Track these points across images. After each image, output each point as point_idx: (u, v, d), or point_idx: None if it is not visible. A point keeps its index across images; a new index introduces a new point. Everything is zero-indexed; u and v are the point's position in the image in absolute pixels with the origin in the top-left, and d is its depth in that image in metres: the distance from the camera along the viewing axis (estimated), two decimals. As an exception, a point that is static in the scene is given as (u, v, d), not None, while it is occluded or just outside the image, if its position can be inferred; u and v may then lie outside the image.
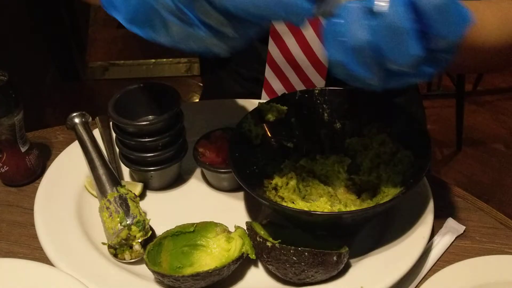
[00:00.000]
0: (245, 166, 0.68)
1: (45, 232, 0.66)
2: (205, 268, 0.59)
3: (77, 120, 0.76)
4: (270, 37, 0.83)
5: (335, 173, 0.71)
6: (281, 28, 0.81)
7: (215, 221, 0.65)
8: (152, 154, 0.70)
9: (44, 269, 0.61)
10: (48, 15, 2.18)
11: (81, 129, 0.75)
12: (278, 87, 0.87)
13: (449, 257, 0.66)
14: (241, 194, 0.72)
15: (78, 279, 0.60)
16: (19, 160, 0.75)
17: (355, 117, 0.71)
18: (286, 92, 0.73)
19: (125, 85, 0.72)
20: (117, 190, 0.67)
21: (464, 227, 0.69)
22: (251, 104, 0.80)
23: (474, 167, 1.99)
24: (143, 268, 0.62)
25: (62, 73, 2.34)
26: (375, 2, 0.45)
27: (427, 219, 0.65)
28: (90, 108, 0.81)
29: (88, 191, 0.73)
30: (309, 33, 0.80)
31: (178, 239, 0.64)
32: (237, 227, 0.64)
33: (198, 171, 0.77)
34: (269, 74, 0.87)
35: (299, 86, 0.86)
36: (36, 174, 0.78)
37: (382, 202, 0.62)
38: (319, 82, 0.85)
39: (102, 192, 0.67)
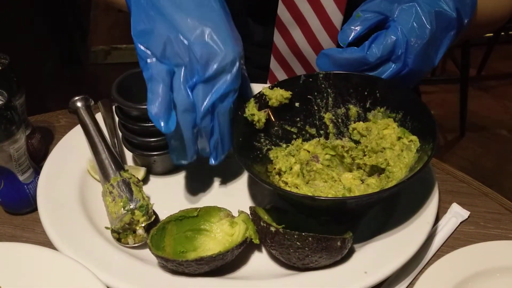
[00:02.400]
0: (248, 150, 0.67)
1: (48, 217, 0.66)
2: (209, 253, 0.59)
3: (79, 104, 0.75)
4: (275, 28, 0.82)
5: (339, 158, 0.71)
6: (287, 19, 0.80)
7: (219, 205, 0.65)
8: (155, 139, 0.69)
9: (47, 253, 0.61)
10: (50, 0, 2.16)
11: (83, 113, 0.74)
12: (283, 78, 0.87)
13: (453, 243, 0.66)
14: (244, 178, 0.72)
15: (82, 263, 0.60)
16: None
17: (360, 102, 0.71)
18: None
19: (128, 69, 0.72)
20: (120, 175, 0.66)
21: (469, 213, 0.69)
22: (255, 88, 0.79)
23: (477, 152, 1.99)
24: (146, 253, 0.62)
25: (64, 58, 2.33)
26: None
27: (432, 205, 0.64)
28: (92, 93, 0.81)
29: (91, 175, 0.72)
30: (314, 23, 0.79)
31: (182, 224, 0.64)
32: (240, 212, 0.64)
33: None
34: (274, 65, 0.86)
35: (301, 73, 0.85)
36: (38, 158, 0.77)
37: (386, 187, 0.62)
38: None
39: (105, 177, 0.67)
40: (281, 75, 0.87)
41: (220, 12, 0.61)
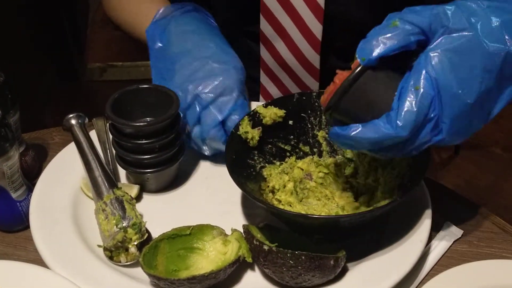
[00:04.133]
0: (242, 168, 0.67)
1: (40, 234, 0.65)
2: (201, 272, 0.59)
3: (73, 122, 0.75)
4: (260, 43, 0.83)
5: (333, 176, 0.71)
6: (269, 32, 0.81)
7: (212, 224, 0.65)
8: (148, 156, 0.70)
9: (39, 271, 0.61)
10: (47, 16, 2.18)
11: (77, 131, 0.74)
12: (274, 91, 0.87)
13: (446, 261, 0.66)
14: (238, 196, 0.72)
15: (73, 282, 0.59)
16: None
17: (353, 120, 0.71)
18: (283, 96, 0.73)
19: (123, 86, 0.72)
20: (113, 192, 0.66)
21: (462, 231, 0.69)
22: (249, 106, 0.80)
23: (472, 170, 1.99)
24: (138, 271, 0.62)
25: (61, 74, 2.33)
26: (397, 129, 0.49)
27: (425, 223, 0.64)
28: (87, 110, 0.81)
29: (84, 193, 0.72)
30: (296, 35, 0.80)
31: (174, 242, 0.63)
32: (233, 230, 0.64)
33: (195, 174, 0.77)
34: (264, 78, 0.87)
35: (294, 89, 0.86)
36: (31, 175, 0.77)
37: (379, 205, 0.62)
38: (312, 84, 0.85)
39: (98, 194, 0.67)
40: (271, 88, 0.87)
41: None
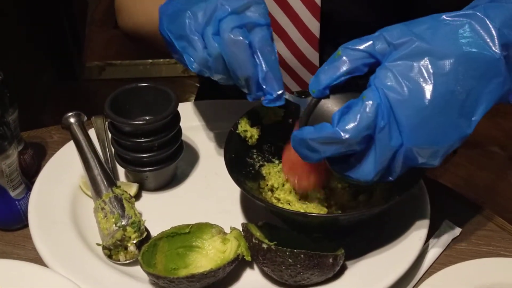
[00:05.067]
0: (241, 167, 0.67)
1: (39, 233, 0.65)
2: (200, 270, 0.59)
3: (72, 120, 0.75)
4: None
5: (332, 175, 0.71)
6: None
7: (211, 222, 0.65)
8: (147, 155, 0.70)
9: (38, 270, 0.61)
10: (46, 15, 2.18)
11: (76, 129, 0.74)
12: None
13: (445, 260, 0.66)
14: (237, 195, 0.72)
15: (72, 280, 0.59)
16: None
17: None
18: None
19: (122, 85, 0.72)
20: (112, 191, 0.66)
21: (460, 230, 0.69)
22: (248, 104, 0.80)
23: (470, 169, 1.99)
24: (137, 270, 0.62)
25: (59, 73, 2.33)
26: (340, 132, 0.49)
27: (423, 221, 0.64)
28: (86, 108, 0.81)
29: (83, 192, 0.72)
30: (294, 34, 0.80)
31: (173, 241, 0.63)
32: (232, 229, 0.64)
33: (193, 172, 0.77)
34: None
35: (293, 87, 0.86)
36: (30, 174, 0.77)
37: (378, 204, 0.62)
38: None
39: (97, 193, 0.67)
40: None
41: None
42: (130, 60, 2.42)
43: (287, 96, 0.59)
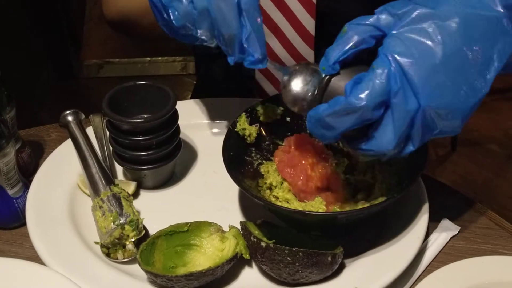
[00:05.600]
0: (239, 165, 0.67)
1: (37, 231, 0.65)
2: (199, 268, 0.59)
3: (70, 118, 0.75)
4: None
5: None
6: (264, 30, 0.81)
7: (209, 220, 0.65)
8: (146, 153, 0.69)
9: (36, 268, 0.61)
10: (44, 13, 2.17)
11: (74, 127, 0.74)
12: (269, 89, 0.87)
13: (443, 258, 0.66)
14: (235, 193, 0.72)
15: (70, 279, 0.59)
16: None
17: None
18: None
19: (120, 83, 0.72)
20: (110, 189, 0.66)
21: (459, 228, 0.69)
22: (246, 102, 0.79)
23: (468, 167, 1.99)
24: (136, 268, 0.62)
25: (57, 71, 2.33)
26: (354, 100, 0.49)
27: (422, 220, 0.64)
28: (84, 106, 0.81)
29: (81, 190, 0.72)
30: (289, 31, 0.80)
31: (172, 239, 0.63)
32: (231, 227, 0.64)
33: (192, 170, 0.76)
34: (258, 75, 0.86)
35: None
36: (28, 172, 0.77)
37: (377, 202, 0.62)
38: None
39: (95, 191, 0.67)
40: (266, 85, 0.87)
41: None
42: (128, 58, 2.42)
43: (269, 62, 0.58)
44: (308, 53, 0.81)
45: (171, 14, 0.58)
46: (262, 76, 0.87)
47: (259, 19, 0.57)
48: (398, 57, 0.49)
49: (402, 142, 0.52)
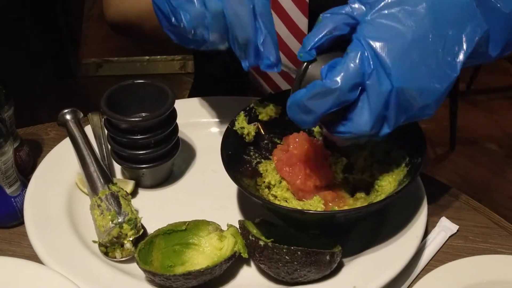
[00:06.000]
0: (238, 164, 0.67)
1: (35, 230, 0.65)
2: (197, 267, 0.59)
3: (68, 117, 0.75)
4: None
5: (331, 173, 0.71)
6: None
7: (208, 219, 0.65)
8: (144, 152, 0.69)
9: (33, 267, 0.61)
10: (43, 12, 2.17)
11: (72, 126, 0.74)
12: (263, 86, 0.87)
13: (442, 257, 0.66)
14: (234, 192, 0.72)
15: (68, 278, 0.59)
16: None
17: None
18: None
19: (119, 82, 0.72)
20: (108, 188, 0.66)
21: (458, 227, 0.69)
22: (245, 101, 0.79)
23: (467, 166, 1.99)
24: (134, 267, 0.61)
25: (56, 70, 2.33)
26: (329, 82, 0.51)
27: (421, 218, 0.64)
28: (83, 105, 0.81)
29: (79, 189, 0.72)
30: (283, 30, 0.80)
31: (170, 238, 0.63)
32: (229, 226, 0.64)
33: (190, 169, 0.76)
34: (252, 75, 0.86)
35: (282, 84, 0.86)
36: (26, 170, 0.77)
37: (375, 201, 0.62)
38: None
39: (93, 190, 0.67)
40: (260, 84, 0.87)
41: None
42: (127, 56, 2.42)
43: (283, 66, 0.59)
44: None
45: (182, 16, 0.58)
46: (255, 75, 0.86)
47: (272, 23, 0.58)
48: (370, 41, 0.51)
49: (378, 123, 0.53)
